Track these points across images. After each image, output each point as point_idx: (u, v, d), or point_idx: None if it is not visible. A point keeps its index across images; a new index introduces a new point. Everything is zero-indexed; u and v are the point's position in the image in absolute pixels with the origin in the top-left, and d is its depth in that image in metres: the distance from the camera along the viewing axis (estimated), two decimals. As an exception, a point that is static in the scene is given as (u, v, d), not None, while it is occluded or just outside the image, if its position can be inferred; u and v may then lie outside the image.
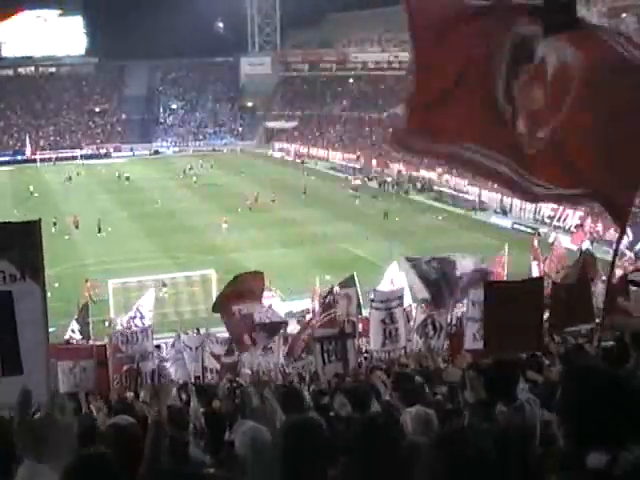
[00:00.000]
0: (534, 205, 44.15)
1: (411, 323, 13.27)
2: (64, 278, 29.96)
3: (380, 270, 21.34)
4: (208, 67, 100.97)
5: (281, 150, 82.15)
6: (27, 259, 3.97)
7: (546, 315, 9.10)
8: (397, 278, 17.12)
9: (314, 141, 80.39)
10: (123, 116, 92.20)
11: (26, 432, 2.42)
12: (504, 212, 46.16)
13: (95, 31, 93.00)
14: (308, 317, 15.93)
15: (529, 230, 38.60)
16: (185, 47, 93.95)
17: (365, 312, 15.62)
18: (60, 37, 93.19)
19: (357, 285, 17.25)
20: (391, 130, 4.80)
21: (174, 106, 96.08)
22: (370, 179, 61.04)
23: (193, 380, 13.07)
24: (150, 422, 3.15)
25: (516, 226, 41.65)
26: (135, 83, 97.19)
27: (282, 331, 15.60)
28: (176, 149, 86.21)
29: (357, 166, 66.31)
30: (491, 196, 48.73)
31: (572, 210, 39.98)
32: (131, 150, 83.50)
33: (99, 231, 41.12)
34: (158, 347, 14.89)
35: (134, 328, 13.83)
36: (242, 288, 12.85)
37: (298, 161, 75.08)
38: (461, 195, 50.62)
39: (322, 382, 10.21)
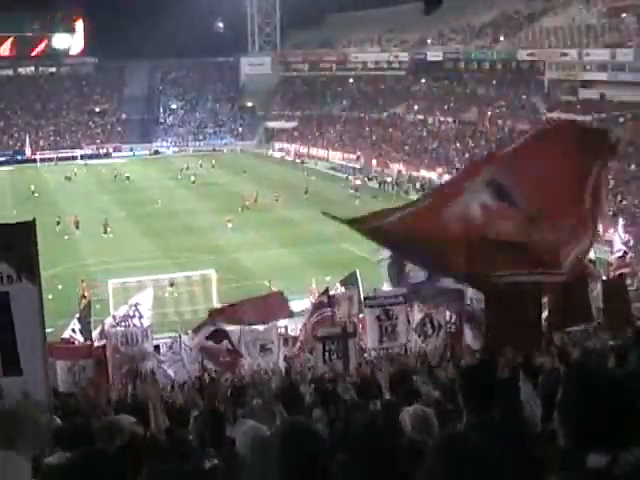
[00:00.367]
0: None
1: (411, 323, 13.27)
2: (64, 278, 29.96)
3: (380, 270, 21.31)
4: (208, 67, 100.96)
5: (281, 150, 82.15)
6: (23, 260, 3.98)
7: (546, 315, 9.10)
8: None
9: (314, 141, 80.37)
10: (123, 116, 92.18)
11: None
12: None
13: (95, 31, 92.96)
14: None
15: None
16: (185, 47, 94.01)
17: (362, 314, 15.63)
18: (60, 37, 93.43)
19: (359, 282, 17.28)
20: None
21: (174, 106, 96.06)
22: (370, 179, 61.02)
23: (193, 380, 13.08)
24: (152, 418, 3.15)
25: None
26: (135, 83, 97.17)
27: (283, 331, 15.65)
28: (176, 149, 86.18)
29: (357, 166, 66.30)
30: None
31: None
32: (131, 150, 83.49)
33: (105, 232, 40.93)
34: (157, 348, 14.89)
35: (132, 328, 13.76)
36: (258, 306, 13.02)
37: (298, 161, 75.09)
38: (461, 195, 50.57)
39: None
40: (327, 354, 10.93)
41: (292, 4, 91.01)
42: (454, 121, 67.90)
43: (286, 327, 16.96)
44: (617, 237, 18.74)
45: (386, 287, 16.50)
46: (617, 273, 13.63)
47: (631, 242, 21.57)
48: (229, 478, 4.04)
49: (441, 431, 4.28)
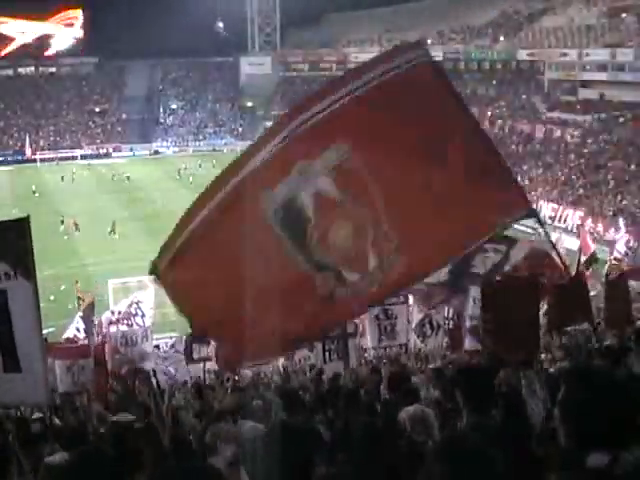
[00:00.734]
0: (534, 205, 44.21)
1: (411, 323, 13.25)
2: (65, 278, 29.93)
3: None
4: (208, 67, 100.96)
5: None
6: (19, 257, 3.98)
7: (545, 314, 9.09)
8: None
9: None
10: (123, 116, 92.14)
11: None
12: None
13: (95, 31, 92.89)
14: None
15: (529, 230, 38.55)
16: (185, 47, 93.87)
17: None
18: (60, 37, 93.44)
19: None
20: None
21: (174, 106, 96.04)
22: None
23: (194, 380, 13.07)
24: (153, 418, 3.15)
25: (516, 226, 41.55)
26: (135, 83, 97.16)
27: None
28: (176, 149, 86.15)
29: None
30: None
31: (572, 210, 40.02)
32: (131, 150, 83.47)
33: (112, 232, 40.83)
34: (157, 347, 14.86)
35: (134, 327, 13.70)
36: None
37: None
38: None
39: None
40: (327, 354, 10.91)
41: (292, 4, 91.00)
42: (454, 121, 67.83)
43: None
44: (622, 239, 18.78)
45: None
46: (618, 273, 13.61)
47: (631, 242, 21.59)
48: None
49: (441, 432, 4.28)
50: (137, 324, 13.82)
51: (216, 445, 3.57)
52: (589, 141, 51.00)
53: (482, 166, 3.99)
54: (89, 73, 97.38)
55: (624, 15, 57.48)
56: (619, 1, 59.13)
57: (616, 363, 5.64)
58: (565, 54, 61.11)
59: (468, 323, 11.47)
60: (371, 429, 3.25)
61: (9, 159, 77.12)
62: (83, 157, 79.08)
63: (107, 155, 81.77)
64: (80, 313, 15.11)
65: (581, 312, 9.58)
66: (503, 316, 6.36)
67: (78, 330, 14.34)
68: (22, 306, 4.01)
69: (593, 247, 15.81)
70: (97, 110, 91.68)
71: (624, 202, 40.41)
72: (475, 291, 10.80)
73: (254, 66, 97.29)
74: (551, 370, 6.76)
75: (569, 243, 22.83)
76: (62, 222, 41.34)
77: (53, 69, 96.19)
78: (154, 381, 4.78)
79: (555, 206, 41.94)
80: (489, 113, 65.73)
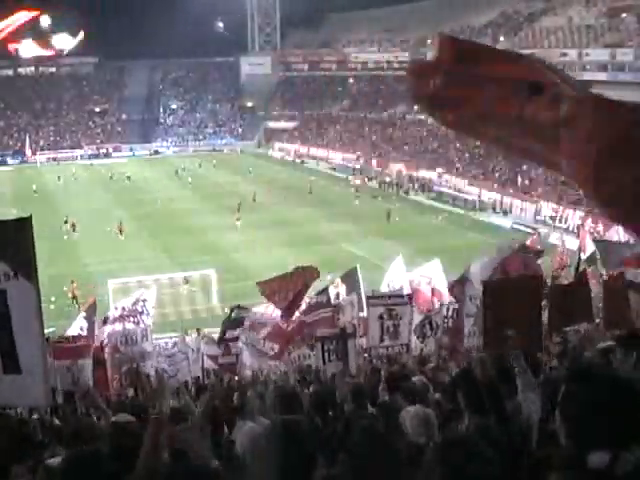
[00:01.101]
0: (535, 205, 44.23)
1: (411, 324, 13.26)
2: (65, 278, 29.91)
3: (381, 270, 21.32)
4: (208, 67, 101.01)
5: (281, 150, 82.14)
6: (20, 257, 3.96)
7: (545, 314, 9.09)
8: (398, 278, 17.10)
9: (314, 141, 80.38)
10: (123, 116, 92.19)
11: None
12: (504, 212, 46.21)
13: (95, 31, 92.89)
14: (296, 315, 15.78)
15: (529, 230, 38.61)
16: (185, 47, 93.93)
17: (364, 312, 15.61)
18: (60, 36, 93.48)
19: (360, 278, 17.31)
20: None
21: (174, 106, 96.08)
22: (370, 179, 61.03)
23: (194, 380, 13.09)
24: (151, 419, 3.15)
25: (515, 226, 41.65)
26: (135, 83, 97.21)
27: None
28: (176, 149, 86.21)
29: (357, 166, 66.31)
30: (491, 196, 48.81)
31: (572, 210, 39.99)
32: (131, 150, 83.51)
33: (120, 233, 40.80)
34: (159, 346, 14.86)
35: (136, 326, 13.74)
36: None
37: (298, 161, 75.09)
38: (461, 195, 50.63)
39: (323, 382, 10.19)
40: (326, 354, 10.91)
41: (292, 4, 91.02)
42: (454, 121, 67.82)
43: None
44: (616, 237, 18.67)
45: (385, 288, 16.50)
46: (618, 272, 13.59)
47: (631, 241, 21.49)
48: (229, 478, 4.03)
49: (441, 433, 4.28)
50: (142, 322, 13.89)
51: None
52: (589, 141, 50.93)
53: None
54: (89, 73, 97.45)
55: (624, 15, 57.46)
56: (619, 1, 59.12)
57: (616, 363, 5.63)
58: (565, 54, 61.10)
59: (465, 321, 11.50)
60: (371, 430, 3.25)
61: (9, 159, 77.17)
62: (85, 157, 79.14)
63: (107, 155, 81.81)
64: (83, 313, 15.14)
65: (582, 312, 9.59)
66: (504, 314, 6.37)
67: (82, 329, 14.35)
68: (23, 307, 3.99)
69: (593, 247, 15.81)
70: (97, 110, 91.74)
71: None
72: (470, 290, 10.80)
73: (254, 66, 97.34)
74: (551, 370, 6.75)
75: (570, 243, 22.83)
76: (66, 222, 41.43)
77: (53, 69, 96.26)
78: (154, 380, 4.77)
79: (555, 206, 41.93)
80: (489, 113, 65.66)
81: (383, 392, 6.23)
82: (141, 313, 14.13)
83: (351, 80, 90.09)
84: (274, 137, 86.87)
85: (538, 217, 43.00)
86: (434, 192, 53.65)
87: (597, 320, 10.75)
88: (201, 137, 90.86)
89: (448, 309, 12.86)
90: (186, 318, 26.67)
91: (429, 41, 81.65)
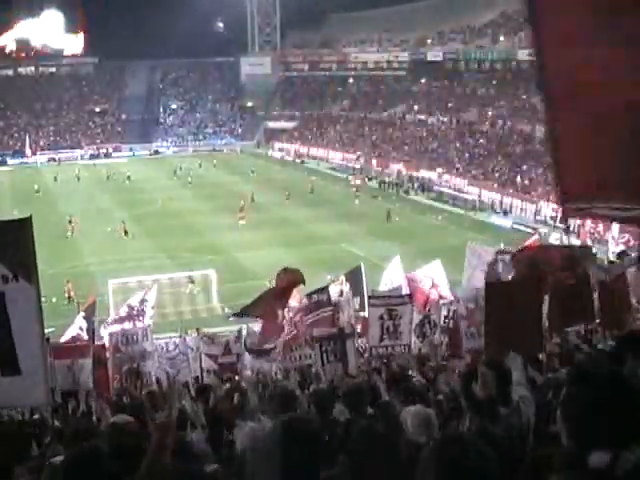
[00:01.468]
0: (535, 205, 44.26)
1: (411, 324, 13.25)
2: (65, 278, 29.91)
3: (381, 270, 21.32)
4: (208, 67, 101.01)
5: (281, 150, 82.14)
6: (20, 258, 3.94)
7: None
8: (396, 277, 17.09)
9: (314, 141, 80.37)
10: (123, 116, 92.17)
11: None
12: (504, 212, 46.21)
13: (95, 31, 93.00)
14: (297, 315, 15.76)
15: (529, 230, 38.60)
16: (185, 47, 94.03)
17: (365, 312, 15.60)
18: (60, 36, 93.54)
19: (364, 276, 17.34)
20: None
21: (174, 106, 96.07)
22: (370, 179, 61.04)
23: (194, 380, 13.06)
24: (158, 424, 3.14)
25: (516, 226, 41.65)
26: (135, 83, 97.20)
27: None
28: (176, 149, 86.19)
29: (357, 166, 66.31)
30: (491, 196, 48.82)
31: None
32: (131, 150, 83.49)
33: (125, 234, 40.69)
34: (161, 347, 14.85)
35: (142, 325, 13.77)
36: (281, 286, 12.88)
37: (298, 161, 75.10)
38: (461, 195, 50.63)
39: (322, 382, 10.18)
40: (325, 355, 10.89)
41: (292, 4, 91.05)
42: (454, 121, 67.87)
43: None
44: (611, 239, 18.70)
45: (384, 287, 16.52)
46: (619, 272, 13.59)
47: (632, 242, 21.54)
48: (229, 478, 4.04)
49: (440, 432, 4.27)
50: (143, 321, 13.95)
51: None
52: (589, 141, 50.93)
53: None
54: (89, 73, 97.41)
55: (624, 15, 57.51)
56: (619, 1, 59.14)
57: (616, 363, 5.63)
58: (565, 54, 61.10)
59: (461, 323, 11.50)
60: (371, 430, 3.25)
61: (9, 159, 77.18)
62: (83, 157, 79.12)
63: (107, 155, 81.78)
64: (83, 313, 15.14)
65: (583, 313, 9.58)
66: (505, 315, 6.36)
67: (81, 329, 14.36)
68: (22, 309, 3.98)
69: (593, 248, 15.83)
70: (97, 110, 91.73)
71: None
72: (464, 292, 10.79)
73: (254, 66, 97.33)
74: (551, 370, 6.75)
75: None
76: (70, 222, 41.41)
77: (53, 69, 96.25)
78: (154, 380, 4.77)
79: (555, 206, 41.93)
80: (489, 113, 65.73)
81: (383, 392, 6.22)
82: (142, 313, 14.21)
83: (351, 80, 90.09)
84: (274, 137, 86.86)
85: (538, 217, 43.01)
86: (434, 192, 53.64)
87: (598, 320, 10.74)
88: (201, 137, 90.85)
89: (448, 309, 12.85)
90: (186, 318, 26.66)
91: (429, 41, 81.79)
